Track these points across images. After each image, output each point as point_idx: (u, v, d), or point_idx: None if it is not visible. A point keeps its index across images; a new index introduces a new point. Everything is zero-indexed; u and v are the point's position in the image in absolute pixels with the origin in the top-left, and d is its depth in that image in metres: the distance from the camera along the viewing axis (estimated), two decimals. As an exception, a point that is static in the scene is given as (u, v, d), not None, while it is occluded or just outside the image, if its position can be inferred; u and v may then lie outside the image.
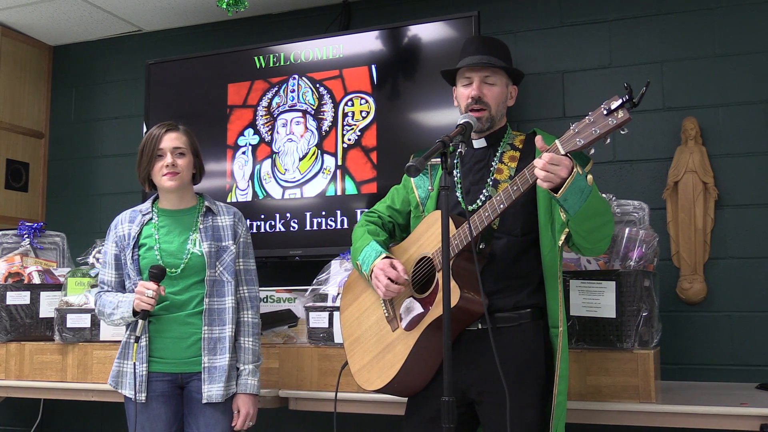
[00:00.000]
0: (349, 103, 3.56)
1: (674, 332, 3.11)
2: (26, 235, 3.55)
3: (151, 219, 2.62)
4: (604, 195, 2.31)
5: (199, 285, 2.55)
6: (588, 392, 2.48)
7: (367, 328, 2.38)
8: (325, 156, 3.58)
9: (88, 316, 3.11)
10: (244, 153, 3.75)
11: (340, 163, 3.55)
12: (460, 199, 2.27)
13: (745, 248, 3.11)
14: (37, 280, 3.37)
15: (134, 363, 2.49)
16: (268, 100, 3.72)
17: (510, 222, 2.22)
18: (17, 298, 3.27)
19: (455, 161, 2.04)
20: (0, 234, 3.60)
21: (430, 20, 3.44)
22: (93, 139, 4.45)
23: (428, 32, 3.44)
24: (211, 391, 2.49)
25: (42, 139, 4.53)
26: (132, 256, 2.57)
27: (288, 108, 3.69)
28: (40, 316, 3.29)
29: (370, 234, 2.40)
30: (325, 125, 3.59)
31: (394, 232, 2.52)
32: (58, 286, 3.32)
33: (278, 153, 3.68)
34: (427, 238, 2.27)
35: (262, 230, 3.66)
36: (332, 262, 3.04)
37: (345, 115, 3.56)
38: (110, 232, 2.67)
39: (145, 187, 2.67)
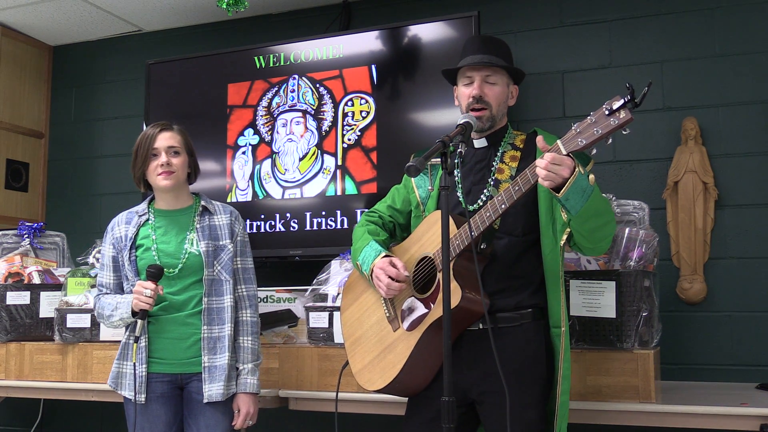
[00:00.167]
0: (349, 103, 3.56)
1: (674, 332, 3.11)
2: (26, 235, 3.55)
3: (148, 220, 2.62)
4: (604, 195, 2.31)
5: (198, 285, 2.55)
6: (588, 392, 2.48)
7: (368, 328, 2.38)
8: (325, 156, 3.58)
9: (88, 316, 3.11)
10: (244, 153, 3.75)
11: (340, 163, 3.55)
12: (461, 199, 2.27)
13: (745, 248, 3.11)
14: (37, 280, 3.37)
15: (134, 363, 2.49)
16: (268, 100, 3.72)
17: (511, 222, 2.22)
18: (17, 298, 3.27)
19: (456, 161, 2.04)
20: (0, 234, 3.60)
21: (430, 20, 3.44)
22: (93, 139, 4.45)
23: (428, 32, 3.44)
24: (212, 390, 2.49)
25: (42, 139, 4.53)
26: (129, 258, 2.57)
27: (288, 108, 3.69)
28: (40, 316, 3.29)
29: (370, 234, 2.40)
30: (325, 125, 3.59)
31: (395, 231, 2.52)
32: (58, 286, 3.32)
33: (278, 153, 3.68)
34: (428, 238, 2.27)
35: (262, 230, 3.66)
36: (332, 262, 3.04)
37: (345, 115, 3.56)
38: (107, 235, 2.67)
39: (140, 188, 2.67)
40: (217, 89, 3.83)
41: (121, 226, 2.63)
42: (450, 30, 3.39)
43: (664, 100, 3.27)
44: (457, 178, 2.32)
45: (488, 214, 2.11)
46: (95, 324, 3.12)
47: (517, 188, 2.06)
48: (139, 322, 2.44)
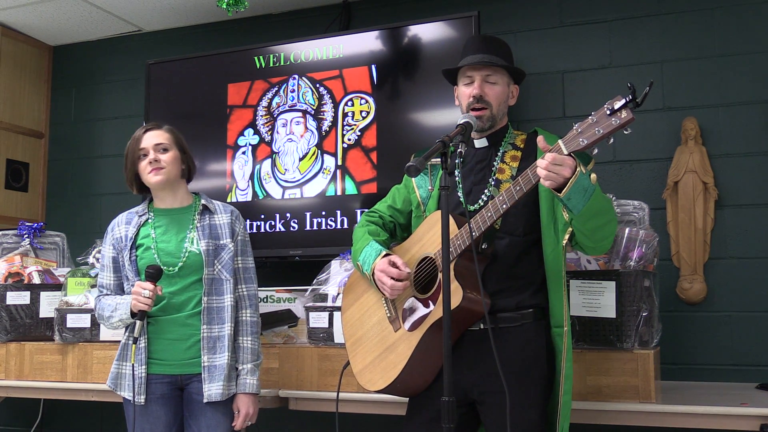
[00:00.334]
0: (349, 103, 3.56)
1: (674, 332, 3.11)
2: (26, 235, 3.55)
3: (148, 219, 2.62)
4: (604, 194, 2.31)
5: (198, 285, 2.55)
6: (588, 392, 2.48)
7: (369, 328, 2.38)
8: (325, 156, 3.58)
9: (88, 316, 3.11)
10: (244, 153, 3.75)
11: (340, 163, 3.55)
12: (461, 199, 2.27)
13: (745, 248, 3.11)
14: (37, 280, 3.37)
15: (133, 365, 2.48)
16: (268, 100, 3.72)
17: (512, 222, 2.22)
18: (17, 298, 3.27)
19: (457, 161, 2.04)
20: (0, 234, 3.60)
21: (430, 20, 3.44)
22: (93, 139, 4.45)
23: (428, 32, 3.44)
24: (212, 390, 2.48)
25: (42, 139, 4.53)
26: (130, 258, 2.56)
27: (288, 108, 3.69)
28: (40, 316, 3.29)
29: (371, 234, 2.40)
30: (325, 125, 3.59)
31: (395, 231, 2.51)
32: (58, 286, 3.32)
33: (278, 153, 3.68)
34: (429, 238, 2.27)
35: (262, 230, 3.66)
36: (332, 262, 3.04)
37: (345, 115, 3.56)
38: (107, 235, 2.66)
39: (133, 190, 2.66)
40: (217, 89, 3.83)
41: (121, 226, 2.63)
42: (450, 30, 3.39)
43: (664, 100, 3.27)
44: (457, 178, 2.32)
45: (489, 214, 2.11)
46: (95, 324, 3.11)
47: (518, 188, 2.06)
48: (138, 322, 2.43)
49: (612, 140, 1.93)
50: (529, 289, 2.22)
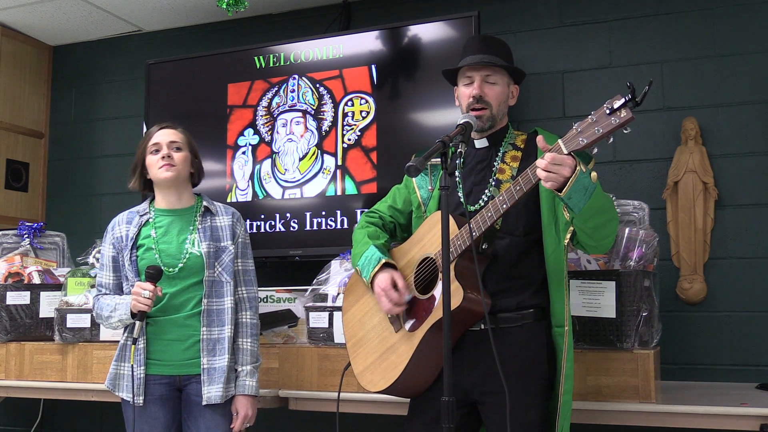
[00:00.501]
0: (349, 103, 3.56)
1: (674, 332, 3.11)
2: (26, 235, 3.55)
3: (149, 220, 2.61)
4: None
5: (198, 286, 2.54)
6: (588, 392, 2.48)
7: (370, 329, 2.38)
8: (325, 156, 3.58)
9: (88, 316, 3.11)
10: (244, 153, 3.75)
11: (340, 163, 3.55)
12: (461, 199, 2.26)
13: (745, 248, 3.11)
14: (37, 280, 3.37)
15: (132, 365, 2.47)
16: (268, 100, 3.72)
17: (512, 222, 2.22)
18: (17, 298, 3.27)
19: (457, 161, 2.03)
20: (0, 234, 3.60)
21: (430, 20, 3.44)
22: (93, 139, 4.45)
23: (428, 32, 3.44)
24: (211, 392, 2.48)
25: (42, 139, 4.53)
26: (130, 258, 2.55)
27: (288, 108, 3.69)
28: (40, 316, 3.29)
29: (370, 237, 2.40)
30: (325, 125, 3.59)
31: (395, 232, 2.51)
32: (58, 286, 3.32)
33: (278, 153, 3.68)
34: (429, 238, 2.27)
35: (262, 230, 3.66)
36: (332, 262, 3.04)
37: (345, 115, 3.56)
38: (107, 234, 2.65)
39: (138, 186, 2.65)
40: (217, 89, 3.83)
41: (122, 225, 2.62)
42: (450, 30, 3.39)
43: (664, 100, 3.27)
44: (457, 179, 2.32)
45: (489, 214, 2.11)
46: (95, 324, 3.11)
47: (518, 188, 2.06)
48: (138, 323, 2.42)
49: (612, 139, 1.93)
50: (529, 289, 2.22)
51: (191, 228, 2.60)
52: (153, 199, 2.68)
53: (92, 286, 3.19)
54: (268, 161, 3.69)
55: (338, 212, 3.53)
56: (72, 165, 4.47)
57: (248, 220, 3.65)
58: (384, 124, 3.47)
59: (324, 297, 2.91)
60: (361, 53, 3.56)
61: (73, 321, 3.14)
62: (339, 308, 2.77)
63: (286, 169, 3.66)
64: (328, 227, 3.54)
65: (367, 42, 3.55)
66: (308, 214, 3.59)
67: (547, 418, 2.19)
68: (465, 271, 2.15)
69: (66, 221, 4.31)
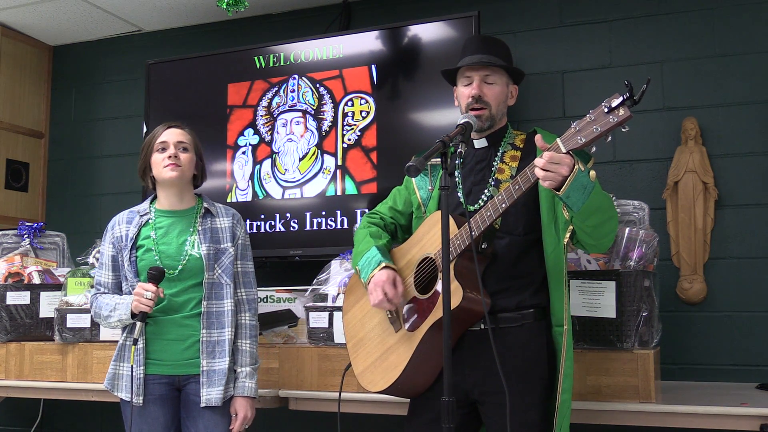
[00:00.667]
0: (349, 103, 3.56)
1: (674, 332, 3.11)
2: (26, 235, 3.55)
3: (149, 220, 2.60)
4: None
5: (197, 287, 2.53)
6: (588, 392, 2.48)
7: (370, 329, 2.38)
8: (325, 156, 3.58)
9: (88, 316, 3.11)
10: (244, 153, 3.75)
11: (340, 163, 3.55)
12: (461, 199, 2.27)
13: (745, 248, 3.11)
14: (37, 280, 3.37)
15: (132, 366, 2.46)
16: (268, 100, 3.73)
17: (512, 221, 2.22)
18: (17, 298, 3.27)
19: (457, 161, 2.03)
20: (0, 234, 3.60)
21: (430, 20, 3.44)
22: (93, 139, 4.45)
23: (428, 32, 3.44)
24: (210, 394, 2.47)
25: (42, 139, 4.53)
26: (130, 258, 2.54)
27: (288, 108, 3.69)
28: (40, 316, 3.29)
29: (372, 237, 2.40)
30: (325, 125, 3.59)
31: (396, 233, 2.51)
32: (58, 286, 3.32)
33: (278, 153, 3.68)
34: (429, 238, 2.27)
35: (262, 230, 3.66)
36: (332, 262, 3.04)
37: (345, 115, 3.56)
38: (107, 233, 2.64)
39: (144, 183, 2.65)
40: (217, 89, 3.83)
41: (122, 225, 2.61)
42: (450, 30, 3.39)
43: (664, 100, 3.27)
44: (457, 179, 2.32)
45: (489, 214, 2.11)
46: (95, 324, 3.11)
47: (517, 187, 2.06)
48: (138, 324, 2.42)
49: (609, 138, 1.93)
50: (529, 289, 2.22)
51: (191, 229, 2.59)
52: (153, 198, 2.68)
53: (92, 286, 3.18)
54: (268, 161, 3.69)
55: (338, 212, 3.53)
56: (72, 165, 4.48)
57: (248, 220, 3.65)
58: (384, 124, 3.47)
59: (324, 297, 2.91)
60: (361, 53, 3.56)
61: (73, 321, 3.14)
62: (339, 308, 2.77)
63: (286, 169, 3.66)
64: (328, 227, 3.54)
65: (367, 42, 3.55)
66: (308, 214, 3.59)
67: (547, 418, 2.19)
68: (464, 271, 2.15)
69: (66, 221, 4.31)
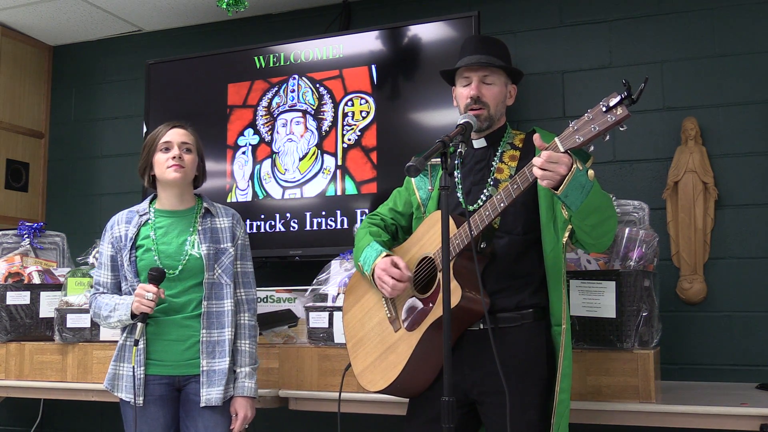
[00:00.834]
0: (349, 103, 3.56)
1: (674, 332, 3.11)
2: (26, 235, 3.55)
3: (149, 220, 2.60)
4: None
5: (197, 288, 2.53)
6: (588, 392, 2.48)
7: (369, 329, 2.38)
8: (325, 156, 3.58)
9: (88, 316, 3.11)
10: (244, 153, 3.75)
11: (340, 163, 3.55)
12: (461, 199, 2.27)
13: (745, 248, 3.11)
14: (37, 280, 3.37)
15: (133, 366, 2.46)
16: (268, 100, 3.73)
17: (511, 221, 2.22)
18: (17, 298, 3.27)
19: (456, 161, 2.03)
20: (0, 234, 3.60)
21: (430, 20, 3.44)
22: (93, 139, 4.45)
23: (428, 32, 3.44)
24: (210, 394, 2.47)
25: (42, 139, 4.53)
26: (129, 258, 2.54)
27: (288, 108, 3.69)
28: (40, 316, 3.29)
29: (372, 235, 2.40)
30: (325, 125, 3.59)
31: (397, 234, 2.51)
32: (58, 286, 3.32)
33: (278, 153, 3.68)
34: (428, 238, 2.27)
35: (262, 230, 3.66)
36: (332, 262, 3.04)
37: (345, 115, 3.56)
38: (106, 233, 2.63)
39: (145, 182, 2.65)
40: (217, 89, 3.83)
41: (121, 225, 2.60)
42: (450, 30, 3.39)
43: (664, 100, 3.27)
44: (457, 179, 2.32)
45: (487, 213, 2.11)
46: (95, 324, 3.11)
47: (515, 186, 2.06)
48: (139, 324, 2.41)
49: (608, 137, 1.93)
50: (528, 289, 2.22)
51: (191, 229, 2.59)
52: (153, 198, 2.67)
53: (92, 286, 3.19)
54: (268, 161, 3.69)
55: (338, 212, 3.53)
56: (72, 165, 4.48)
57: (248, 220, 3.65)
58: (384, 124, 3.47)
59: (324, 297, 2.91)
60: (361, 53, 3.56)
61: (73, 321, 3.14)
62: (339, 308, 2.77)
63: (286, 169, 3.66)
64: (328, 227, 3.54)
65: (367, 42, 3.55)
66: (308, 214, 3.59)
67: (547, 417, 2.19)
68: (463, 270, 2.15)
69: (66, 221, 4.31)
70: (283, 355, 2.93)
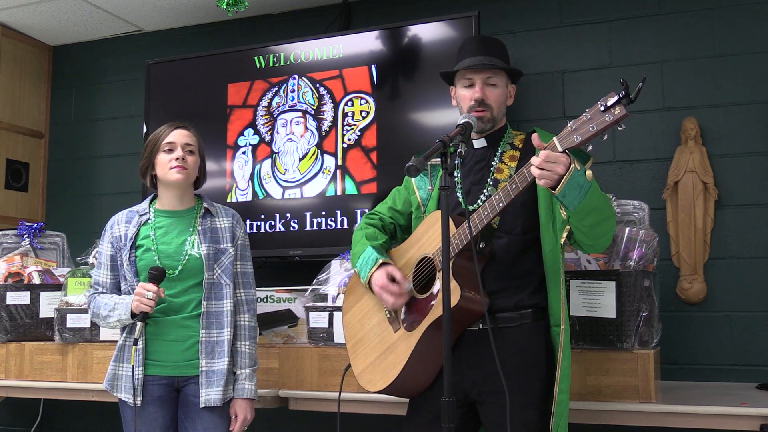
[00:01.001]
0: (349, 103, 3.56)
1: (674, 332, 3.11)
2: (26, 235, 3.55)
3: (148, 220, 2.59)
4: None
5: (197, 288, 2.53)
6: (588, 392, 2.48)
7: (369, 329, 2.38)
8: (325, 156, 3.58)
9: (88, 316, 3.10)
10: (244, 153, 3.75)
11: (340, 163, 3.55)
12: (460, 199, 2.27)
13: (745, 248, 3.11)
14: (37, 280, 3.37)
15: (132, 366, 2.45)
16: (268, 100, 3.73)
17: (510, 221, 2.22)
18: (17, 298, 3.27)
19: (456, 161, 2.03)
20: (0, 234, 3.60)
21: (430, 20, 3.44)
22: (93, 139, 4.45)
23: (428, 32, 3.44)
24: (210, 395, 2.47)
25: (42, 139, 4.53)
26: (129, 258, 2.53)
27: (288, 108, 3.69)
28: (40, 316, 3.29)
29: (368, 239, 2.40)
30: (325, 125, 3.59)
31: (396, 233, 2.51)
32: (58, 286, 3.32)
33: (278, 153, 3.68)
34: (427, 238, 2.27)
35: (262, 230, 3.66)
36: (332, 262, 3.04)
37: (345, 115, 3.56)
38: (106, 233, 2.63)
39: (146, 182, 2.64)
40: (217, 89, 3.83)
41: (121, 225, 2.60)
42: (450, 30, 3.39)
43: (664, 100, 3.27)
44: (456, 179, 2.32)
45: (486, 213, 2.10)
46: (95, 324, 3.11)
47: (514, 186, 2.06)
48: (139, 324, 2.41)
49: (606, 136, 1.93)
50: (527, 289, 2.22)
51: (191, 229, 2.59)
52: (153, 198, 2.67)
53: (91, 286, 3.18)
54: (268, 161, 3.69)
55: (338, 212, 3.53)
56: (72, 165, 4.48)
57: (248, 220, 3.65)
58: (384, 124, 3.47)
59: (324, 297, 2.91)
60: (361, 53, 3.56)
61: (73, 321, 3.14)
62: (339, 308, 2.77)
63: (286, 169, 3.66)
64: (328, 227, 3.54)
65: (367, 42, 3.55)
66: (308, 214, 3.59)
67: (546, 417, 2.19)
68: (463, 271, 2.15)
69: (66, 221, 4.31)
70: (283, 355, 2.93)
